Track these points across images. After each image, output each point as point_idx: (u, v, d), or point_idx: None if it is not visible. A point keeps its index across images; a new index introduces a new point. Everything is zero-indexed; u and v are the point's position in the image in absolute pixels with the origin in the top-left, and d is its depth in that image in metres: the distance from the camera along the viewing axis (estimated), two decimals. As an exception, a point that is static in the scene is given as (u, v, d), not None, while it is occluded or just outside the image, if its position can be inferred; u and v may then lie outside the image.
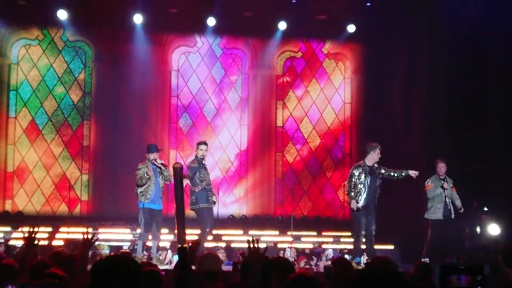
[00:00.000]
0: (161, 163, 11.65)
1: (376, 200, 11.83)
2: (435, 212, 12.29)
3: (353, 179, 11.70)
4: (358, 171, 11.71)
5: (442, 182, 12.32)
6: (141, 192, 11.50)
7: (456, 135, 15.62)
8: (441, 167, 12.43)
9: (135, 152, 14.61)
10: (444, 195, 12.28)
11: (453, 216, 12.31)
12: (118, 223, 15.40)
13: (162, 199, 11.86)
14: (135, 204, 11.88)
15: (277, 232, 16.10)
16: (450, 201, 12.33)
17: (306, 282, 3.91)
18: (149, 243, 12.08)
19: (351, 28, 17.53)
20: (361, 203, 11.62)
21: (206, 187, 11.74)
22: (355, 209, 11.60)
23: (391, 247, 15.18)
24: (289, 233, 15.55)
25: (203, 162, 11.89)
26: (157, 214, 11.62)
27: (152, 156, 11.57)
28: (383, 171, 11.82)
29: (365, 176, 11.66)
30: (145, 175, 11.38)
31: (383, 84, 17.50)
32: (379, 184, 11.85)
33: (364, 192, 11.64)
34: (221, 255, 11.41)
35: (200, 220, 11.66)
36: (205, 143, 12.10)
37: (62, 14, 16.39)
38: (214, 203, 12.00)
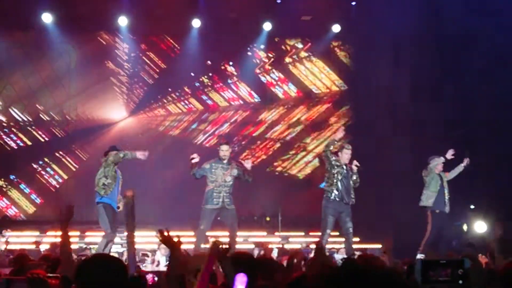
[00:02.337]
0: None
1: (351, 198, 11.79)
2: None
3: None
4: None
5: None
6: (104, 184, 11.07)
7: (441, 134, 15.68)
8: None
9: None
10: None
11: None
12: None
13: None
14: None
15: (265, 233, 16.11)
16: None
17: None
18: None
19: (336, 28, 17.64)
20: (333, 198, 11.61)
21: (215, 188, 11.49)
22: None
23: (380, 246, 15.20)
24: (277, 233, 15.56)
25: (224, 162, 11.56)
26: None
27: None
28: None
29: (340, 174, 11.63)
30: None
31: (368, 86, 17.58)
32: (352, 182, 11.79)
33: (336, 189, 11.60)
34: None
35: (200, 219, 11.45)
36: (227, 143, 11.80)
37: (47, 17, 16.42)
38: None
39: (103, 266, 3.30)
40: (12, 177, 17.61)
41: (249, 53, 18.72)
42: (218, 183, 11.40)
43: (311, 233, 16.06)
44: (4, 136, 17.64)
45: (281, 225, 15.42)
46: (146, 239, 14.27)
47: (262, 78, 19.07)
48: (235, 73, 18.99)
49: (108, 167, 11.06)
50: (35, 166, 17.85)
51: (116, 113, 18.16)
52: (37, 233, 15.30)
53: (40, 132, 17.93)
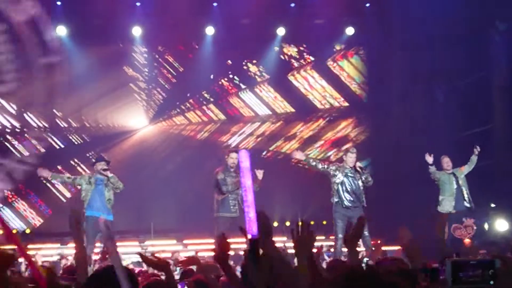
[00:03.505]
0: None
1: (360, 201, 11.74)
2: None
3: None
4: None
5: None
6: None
7: (460, 133, 15.59)
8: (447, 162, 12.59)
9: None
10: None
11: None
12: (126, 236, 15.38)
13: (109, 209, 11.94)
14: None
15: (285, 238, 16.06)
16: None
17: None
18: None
19: (350, 31, 17.61)
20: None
21: (229, 196, 11.66)
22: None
23: (398, 247, 15.07)
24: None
25: (232, 170, 11.78)
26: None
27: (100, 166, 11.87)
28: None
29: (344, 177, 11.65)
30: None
31: (383, 83, 17.48)
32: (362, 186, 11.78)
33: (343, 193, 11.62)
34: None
35: (215, 228, 11.60)
36: (236, 151, 11.98)
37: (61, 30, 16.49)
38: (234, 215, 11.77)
39: (113, 277, 3.27)
40: (19, 186, 16.73)
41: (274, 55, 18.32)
42: (231, 191, 11.58)
43: (332, 237, 15.99)
44: (15, 142, 17.25)
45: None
46: (168, 247, 14.33)
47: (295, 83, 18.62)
48: (260, 74, 18.54)
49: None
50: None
51: (135, 120, 17.97)
52: (58, 245, 15.33)
53: (55, 139, 17.61)
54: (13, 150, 17.04)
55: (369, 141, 17.64)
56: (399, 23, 16.64)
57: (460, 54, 15.67)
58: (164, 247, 14.55)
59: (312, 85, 18.43)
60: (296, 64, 18.43)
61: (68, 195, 17.22)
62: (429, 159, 12.62)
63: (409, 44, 16.59)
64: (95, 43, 16.73)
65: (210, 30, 17.14)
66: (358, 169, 11.65)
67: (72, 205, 15.89)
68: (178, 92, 18.12)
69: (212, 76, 18.12)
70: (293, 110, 18.43)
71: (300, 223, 3.57)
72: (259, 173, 11.69)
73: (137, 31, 16.93)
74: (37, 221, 17.18)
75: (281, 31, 17.47)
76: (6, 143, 17.10)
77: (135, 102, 17.99)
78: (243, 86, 18.38)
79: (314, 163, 11.79)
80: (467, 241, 12.59)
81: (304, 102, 18.42)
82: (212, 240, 12.15)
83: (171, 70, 18.06)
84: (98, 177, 11.85)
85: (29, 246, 14.38)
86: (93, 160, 12.59)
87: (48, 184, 17.02)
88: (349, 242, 4.42)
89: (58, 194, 17.29)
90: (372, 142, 17.48)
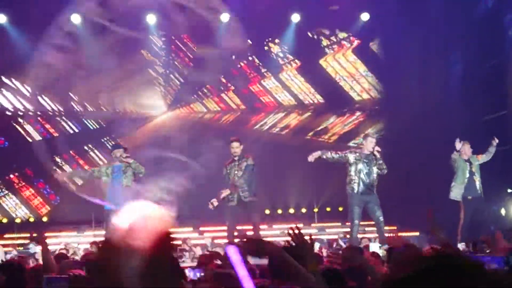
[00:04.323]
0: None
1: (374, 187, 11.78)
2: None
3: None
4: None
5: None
6: None
7: (476, 118, 15.52)
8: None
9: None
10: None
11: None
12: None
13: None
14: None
15: (301, 225, 16.07)
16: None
17: None
18: None
19: (365, 17, 17.52)
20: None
21: (230, 189, 11.88)
22: None
23: (417, 233, 15.07)
24: (313, 225, 15.54)
25: (236, 159, 11.95)
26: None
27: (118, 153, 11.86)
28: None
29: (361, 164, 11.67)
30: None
31: (399, 69, 17.40)
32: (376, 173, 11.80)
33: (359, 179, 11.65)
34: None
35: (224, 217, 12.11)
36: (237, 140, 12.09)
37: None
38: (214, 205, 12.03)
39: None
40: (28, 172, 16.83)
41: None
42: (232, 184, 11.84)
43: (348, 224, 15.97)
44: (28, 126, 16.99)
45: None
46: (183, 235, 14.40)
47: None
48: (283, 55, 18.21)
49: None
50: (58, 159, 16.98)
51: (153, 106, 17.83)
52: (75, 233, 15.45)
53: (70, 123, 17.39)
54: (24, 134, 16.86)
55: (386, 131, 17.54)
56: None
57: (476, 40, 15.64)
58: (180, 235, 14.61)
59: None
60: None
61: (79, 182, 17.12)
62: (458, 145, 12.53)
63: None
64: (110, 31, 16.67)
65: (225, 17, 17.01)
66: (376, 153, 11.65)
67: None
68: (196, 77, 17.80)
69: (233, 57, 17.92)
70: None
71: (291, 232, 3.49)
72: (217, 198, 11.97)
73: (151, 19, 16.86)
74: (45, 209, 16.97)
75: (295, 18, 17.38)
76: (17, 126, 16.94)
77: (153, 87, 17.85)
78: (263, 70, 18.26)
79: (331, 156, 11.80)
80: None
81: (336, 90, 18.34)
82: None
83: (188, 54, 17.91)
84: (115, 165, 11.79)
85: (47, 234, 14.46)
86: (110, 148, 12.60)
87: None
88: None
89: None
90: (388, 132, 17.37)
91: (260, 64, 18.21)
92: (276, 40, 18.00)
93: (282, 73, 18.25)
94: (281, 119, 18.24)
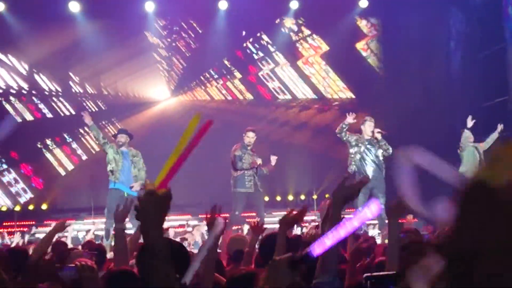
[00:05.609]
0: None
1: (380, 171, 11.69)
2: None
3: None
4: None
5: None
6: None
7: (477, 104, 15.47)
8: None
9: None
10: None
11: None
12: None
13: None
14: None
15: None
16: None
17: None
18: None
19: (363, 3, 17.44)
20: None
21: (246, 172, 11.90)
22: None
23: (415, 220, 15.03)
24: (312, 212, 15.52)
25: (249, 148, 12.01)
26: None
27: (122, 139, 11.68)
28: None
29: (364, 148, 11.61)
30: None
31: (400, 57, 17.34)
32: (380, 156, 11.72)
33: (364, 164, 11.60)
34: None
35: (233, 203, 11.92)
36: (253, 131, 12.19)
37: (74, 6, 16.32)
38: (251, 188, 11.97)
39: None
40: (14, 156, 16.26)
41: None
42: (245, 169, 11.90)
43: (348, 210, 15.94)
44: (19, 106, 16.42)
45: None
46: (181, 222, 14.38)
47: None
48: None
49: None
50: (48, 142, 16.65)
51: (156, 91, 17.60)
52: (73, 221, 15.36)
53: (66, 104, 16.90)
54: (14, 113, 16.19)
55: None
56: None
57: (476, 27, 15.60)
58: (179, 222, 14.61)
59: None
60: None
61: (70, 167, 16.85)
62: (470, 122, 12.43)
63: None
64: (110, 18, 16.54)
65: (223, 5, 16.93)
66: (377, 135, 11.57)
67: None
68: (200, 61, 17.73)
69: (244, 33, 17.92)
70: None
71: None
72: (273, 159, 12.07)
73: (149, 6, 16.75)
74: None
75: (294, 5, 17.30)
76: (7, 104, 16.35)
77: (157, 72, 17.65)
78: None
79: (343, 133, 11.66)
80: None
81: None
82: (227, 215, 12.20)
83: (192, 34, 17.74)
84: (123, 150, 11.60)
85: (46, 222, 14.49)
86: (115, 133, 12.32)
87: (49, 154, 16.60)
88: (392, 213, 3.87)
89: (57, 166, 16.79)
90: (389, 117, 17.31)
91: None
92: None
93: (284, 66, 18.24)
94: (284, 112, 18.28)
